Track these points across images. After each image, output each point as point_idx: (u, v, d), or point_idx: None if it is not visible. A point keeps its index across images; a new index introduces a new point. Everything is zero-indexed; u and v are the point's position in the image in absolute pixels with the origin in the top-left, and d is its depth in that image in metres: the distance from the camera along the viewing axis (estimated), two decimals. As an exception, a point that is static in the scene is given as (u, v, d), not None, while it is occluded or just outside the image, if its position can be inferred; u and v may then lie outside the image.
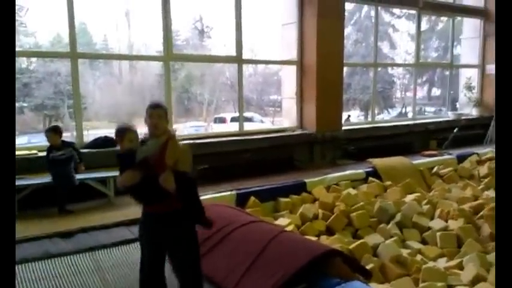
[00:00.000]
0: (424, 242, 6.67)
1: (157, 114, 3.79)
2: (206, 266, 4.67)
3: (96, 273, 4.70)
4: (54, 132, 6.82)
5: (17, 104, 19.51)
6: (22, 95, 19.94)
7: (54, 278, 4.53)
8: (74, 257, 4.97)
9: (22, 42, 18.88)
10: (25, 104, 20.25)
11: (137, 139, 3.85)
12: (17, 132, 19.34)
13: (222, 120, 21.26)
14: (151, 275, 3.97)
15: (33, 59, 19.41)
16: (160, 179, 3.61)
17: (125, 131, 3.85)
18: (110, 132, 8.51)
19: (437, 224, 6.99)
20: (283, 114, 11.33)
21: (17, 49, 17.32)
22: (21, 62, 19.45)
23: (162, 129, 3.79)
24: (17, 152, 7.18)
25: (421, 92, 29.04)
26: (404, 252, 5.97)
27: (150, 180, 3.64)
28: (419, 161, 10.23)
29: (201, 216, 3.94)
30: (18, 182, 6.50)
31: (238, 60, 9.73)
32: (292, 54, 10.47)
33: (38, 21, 19.95)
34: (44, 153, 7.00)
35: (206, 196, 7.10)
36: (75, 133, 8.15)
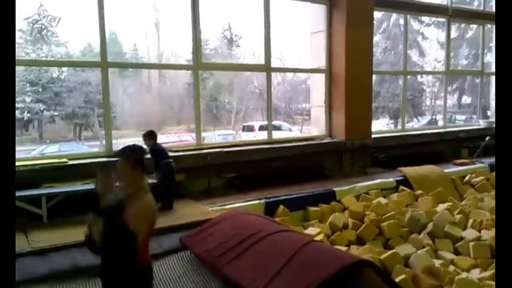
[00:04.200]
0: (456, 252, 6.60)
1: (120, 165, 3.43)
2: (233, 271, 4.68)
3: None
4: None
5: (48, 113, 19.84)
6: (53, 104, 20.22)
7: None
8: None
9: (54, 51, 19.12)
10: (56, 113, 20.50)
11: (110, 185, 3.48)
12: (47, 141, 19.73)
13: (250, 129, 21.23)
14: None
15: (64, 69, 19.61)
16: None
17: (100, 173, 3.51)
18: (139, 140, 8.58)
19: (470, 234, 6.90)
20: (312, 123, 11.29)
21: (48, 59, 17.86)
22: (52, 72, 19.74)
23: (130, 181, 3.42)
24: (47, 161, 7.29)
25: (451, 100, 28.64)
26: (437, 262, 5.91)
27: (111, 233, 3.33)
28: (451, 169, 10.11)
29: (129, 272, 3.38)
30: (48, 190, 6.57)
31: (266, 68, 9.73)
32: (321, 62, 10.43)
33: (69, 31, 20.14)
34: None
35: (234, 205, 7.12)
36: (104, 141, 8.19)
